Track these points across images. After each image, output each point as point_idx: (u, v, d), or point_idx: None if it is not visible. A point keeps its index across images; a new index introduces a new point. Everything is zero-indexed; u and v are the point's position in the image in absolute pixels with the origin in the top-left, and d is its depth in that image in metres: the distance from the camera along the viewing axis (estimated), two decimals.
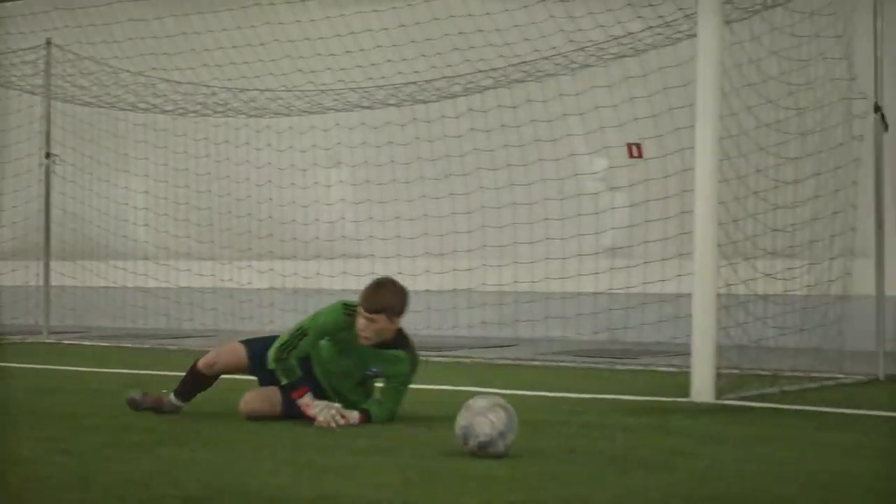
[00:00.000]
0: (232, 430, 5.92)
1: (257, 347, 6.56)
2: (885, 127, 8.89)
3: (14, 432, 5.91)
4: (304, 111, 12.88)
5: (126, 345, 12.89)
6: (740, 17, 8.37)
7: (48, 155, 14.25)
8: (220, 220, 14.27)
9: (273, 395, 6.50)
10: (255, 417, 6.41)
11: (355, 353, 6.43)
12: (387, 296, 6.32)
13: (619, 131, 11.49)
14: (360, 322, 6.28)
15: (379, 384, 6.52)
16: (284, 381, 6.36)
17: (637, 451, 5.36)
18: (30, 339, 13.74)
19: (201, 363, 6.63)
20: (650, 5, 9.82)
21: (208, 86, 13.06)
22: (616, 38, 10.20)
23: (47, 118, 14.28)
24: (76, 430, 5.86)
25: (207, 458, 5.01)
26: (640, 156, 11.58)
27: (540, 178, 11.88)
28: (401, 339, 6.46)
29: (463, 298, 12.63)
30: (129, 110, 14.17)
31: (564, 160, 11.82)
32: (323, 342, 6.48)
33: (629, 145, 11.62)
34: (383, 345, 6.40)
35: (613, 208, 11.86)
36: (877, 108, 8.86)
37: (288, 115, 13.11)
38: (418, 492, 4.26)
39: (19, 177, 15.14)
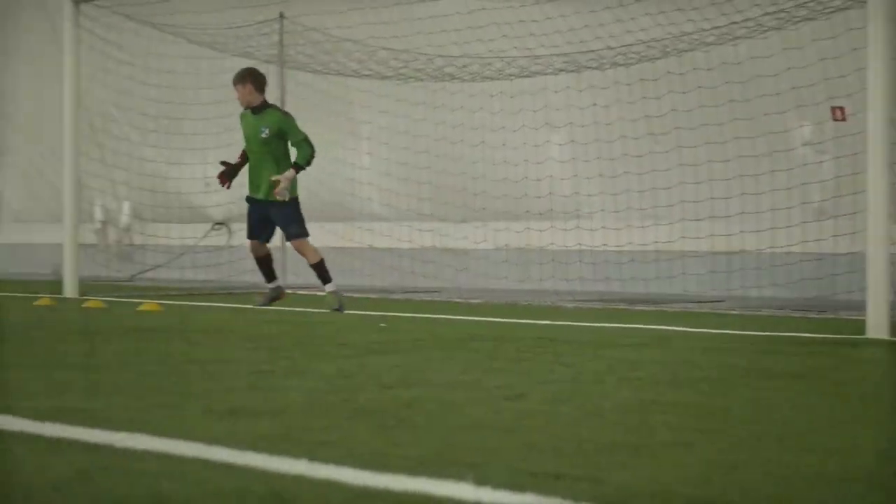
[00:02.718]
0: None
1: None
2: None
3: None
4: (514, 75, 13.56)
5: (355, 295, 13.84)
6: None
7: None
8: (438, 180, 15.04)
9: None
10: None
11: (249, 128, 10.54)
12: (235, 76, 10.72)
13: (812, 91, 11.78)
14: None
15: None
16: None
17: None
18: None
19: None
20: None
21: (425, 53, 13.86)
22: (804, 4, 10.53)
23: (281, 86, 15.38)
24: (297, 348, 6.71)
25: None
26: (843, 119, 11.78)
27: (734, 136, 12.28)
28: (267, 104, 10.62)
29: (665, 255, 13.12)
30: (354, 77, 15.07)
31: (759, 119, 12.16)
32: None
33: (833, 108, 11.84)
34: (257, 110, 10.52)
35: (805, 164, 12.15)
36: None
37: (499, 80, 13.80)
38: None
39: None
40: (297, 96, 15.70)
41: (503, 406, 4.89)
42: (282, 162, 10.49)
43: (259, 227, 10.87)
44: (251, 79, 10.70)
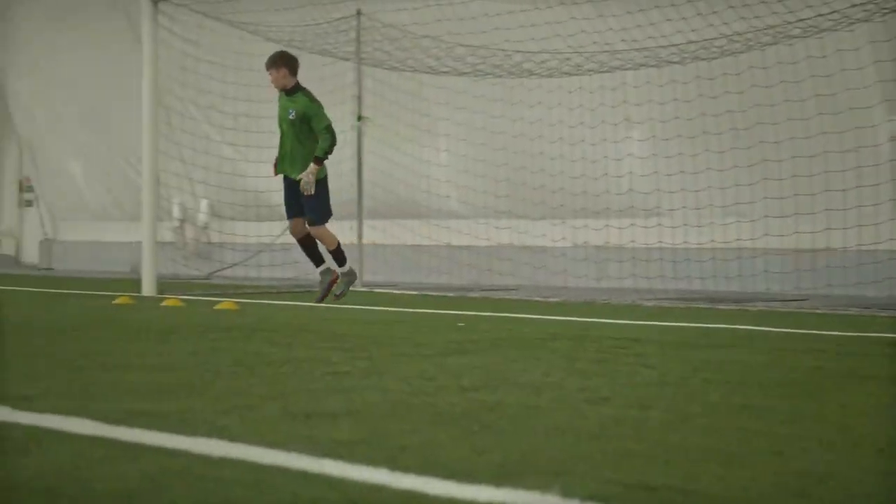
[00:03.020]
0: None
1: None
2: None
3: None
4: (593, 70, 13.38)
5: (432, 293, 13.73)
6: None
7: (360, 118, 15.29)
8: (516, 177, 14.90)
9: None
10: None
11: (280, 109, 11.19)
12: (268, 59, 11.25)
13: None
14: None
15: None
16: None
17: None
18: None
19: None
20: None
21: (503, 49, 13.72)
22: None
23: (359, 83, 15.32)
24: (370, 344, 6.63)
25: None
26: None
27: (820, 131, 12.01)
28: (298, 87, 11.21)
29: (747, 253, 12.88)
30: (431, 73, 14.96)
31: (845, 114, 11.88)
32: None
33: None
34: (289, 92, 11.15)
35: (893, 160, 11.85)
36: None
37: (577, 76, 13.63)
38: None
39: None
40: (374, 93, 15.64)
41: (587, 410, 4.74)
42: (307, 144, 11.13)
43: (296, 204, 11.32)
44: (284, 62, 11.24)
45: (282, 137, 11.33)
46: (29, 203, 23.39)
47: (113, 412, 4.41)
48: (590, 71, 13.34)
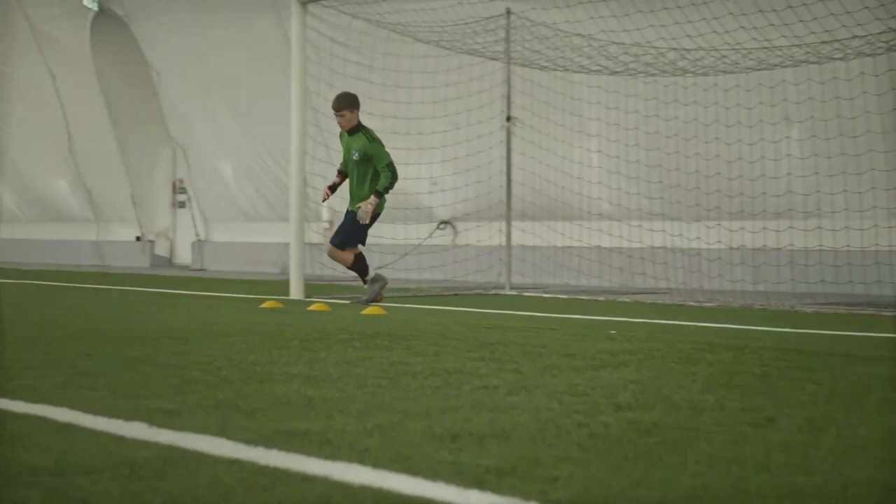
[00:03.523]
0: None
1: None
2: None
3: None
4: (751, 68, 12.93)
5: (582, 297, 13.47)
6: None
7: (509, 118, 15.06)
8: (669, 178, 14.53)
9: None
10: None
11: (346, 146, 11.75)
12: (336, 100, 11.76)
13: None
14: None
15: None
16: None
17: None
18: (493, 292, 14.59)
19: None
20: None
21: (656, 46, 13.35)
22: None
23: (507, 82, 15.09)
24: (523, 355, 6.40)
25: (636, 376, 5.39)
26: None
27: None
28: (359, 128, 11.77)
29: None
30: (582, 72, 14.67)
31: None
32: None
33: None
34: (351, 131, 11.67)
35: None
36: None
37: (734, 73, 13.19)
38: None
39: (482, 139, 16.02)
40: (523, 93, 15.42)
41: (750, 435, 4.42)
42: (370, 180, 11.70)
43: None
44: (355, 104, 11.85)
45: (348, 173, 11.92)
46: (182, 204, 23.72)
47: (253, 431, 4.25)
48: (747, 68, 12.89)
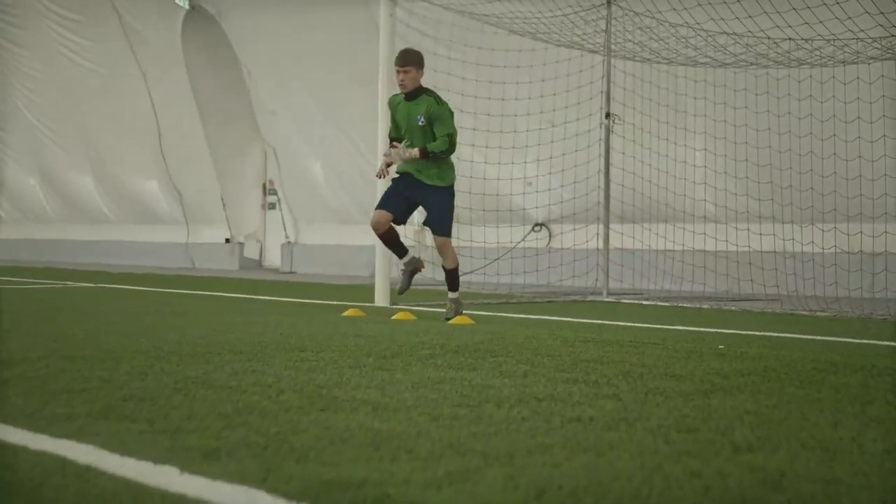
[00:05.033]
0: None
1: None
2: None
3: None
4: (874, 58, 11.99)
5: (684, 305, 12.70)
6: None
7: (608, 115, 14.30)
8: (781, 178, 13.67)
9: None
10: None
11: (406, 113, 10.10)
12: (400, 54, 10.28)
13: None
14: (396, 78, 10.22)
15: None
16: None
17: None
18: (589, 299, 13.88)
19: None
20: None
21: (770, 37, 12.48)
22: None
23: (607, 77, 14.31)
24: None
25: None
26: None
27: None
28: (422, 90, 10.15)
29: None
30: (688, 65, 13.87)
31: None
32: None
33: None
34: (410, 95, 10.11)
35: None
36: None
37: (855, 64, 12.28)
38: None
39: (579, 137, 15.29)
40: (623, 88, 14.67)
41: (892, 485, 3.63)
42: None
43: (396, 200, 10.15)
44: (421, 64, 10.21)
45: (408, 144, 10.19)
46: (272, 206, 23.30)
47: (300, 481, 3.56)
48: (871, 58, 11.95)
